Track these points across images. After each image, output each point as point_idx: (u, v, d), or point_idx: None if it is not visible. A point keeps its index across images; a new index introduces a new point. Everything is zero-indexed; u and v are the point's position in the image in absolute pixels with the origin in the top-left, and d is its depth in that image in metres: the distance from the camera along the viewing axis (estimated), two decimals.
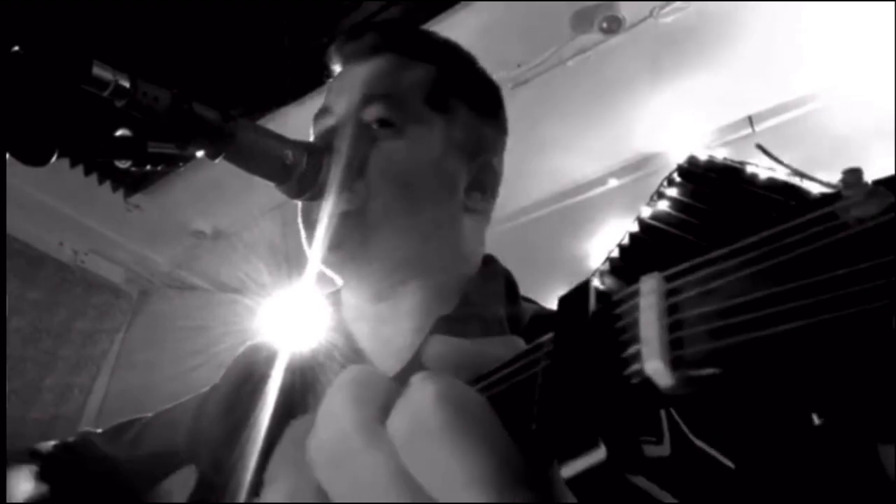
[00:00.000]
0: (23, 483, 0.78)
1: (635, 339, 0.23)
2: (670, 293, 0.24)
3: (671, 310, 0.23)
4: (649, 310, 0.23)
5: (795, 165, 0.25)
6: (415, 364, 0.66)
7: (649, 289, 0.24)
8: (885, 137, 1.71)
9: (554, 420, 0.24)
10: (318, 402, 0.30)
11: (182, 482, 0.81)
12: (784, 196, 0.24)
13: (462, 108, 0.79)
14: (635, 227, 0.29)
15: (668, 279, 0.24)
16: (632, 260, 0.28)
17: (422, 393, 0.26)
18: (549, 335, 0.29)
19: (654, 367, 0.22)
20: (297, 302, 0.83)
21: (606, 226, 2.25)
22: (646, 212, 0.29)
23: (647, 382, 0.22)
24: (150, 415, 0.89)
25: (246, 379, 0.76)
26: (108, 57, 0.58)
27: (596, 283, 0.28)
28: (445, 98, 0.78)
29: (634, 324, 0.24)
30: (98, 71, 0.57)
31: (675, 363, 0.21)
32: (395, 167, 0.72)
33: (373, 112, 0.74)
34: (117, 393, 3.09)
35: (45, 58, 0.55)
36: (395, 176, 0.72)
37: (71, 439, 0.88)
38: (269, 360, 0.74)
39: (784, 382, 0.20)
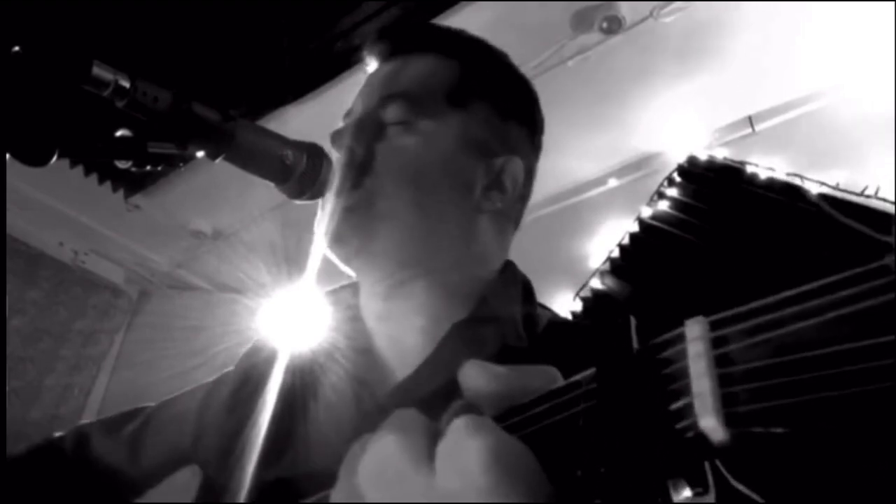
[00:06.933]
0: None
1: (686, 391, 0.23)
2: (717, 342, 0.24)
3: (720, 361, 0.23)
4: (698, 359, 0.23)
5: (796, 165, 0.26)
6: (432, 370, 0.65)
7: (695, 335, 0.24)
8: (885, 137, 1.71)
9: (607, 470, 0.25)
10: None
11: (181, 483, 0.81)
12: (784, 196, 0.24)
13: (484, 106, 0.77)
14: (635, 227, 0.29)
15: (714, 326, 0.24)
16: (632, 260, 0.28)
17: (467, 448, 0.28)
18: (587, 372, 0.28)
19: (709, 423, 0.22)
20: (297, 302, 0.83)
21: (606, 226, 2.24)
22: (646, 212, 0.29)
23: (700, 437, 0.22)
24: (153, 405, 0.87)
25: (246, 380, 0.76)
26: (108, 57, 0.58)
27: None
28: (466, 95, 0.76)
29: (683, 373, 0.24)
30: (98, 71, 0.57)
31: (730, 420, 0.22)
32: (403, 162, 0.72)
33: (391, 110, 0.74)
34: (117, 393, 3.09)
35: (45, 58, 0.55)
36: (403, 172, 0.71)
37: (60, 434, 0.86)
38: (269, 360, 0.74)
39: (843, 443, 0.20)
